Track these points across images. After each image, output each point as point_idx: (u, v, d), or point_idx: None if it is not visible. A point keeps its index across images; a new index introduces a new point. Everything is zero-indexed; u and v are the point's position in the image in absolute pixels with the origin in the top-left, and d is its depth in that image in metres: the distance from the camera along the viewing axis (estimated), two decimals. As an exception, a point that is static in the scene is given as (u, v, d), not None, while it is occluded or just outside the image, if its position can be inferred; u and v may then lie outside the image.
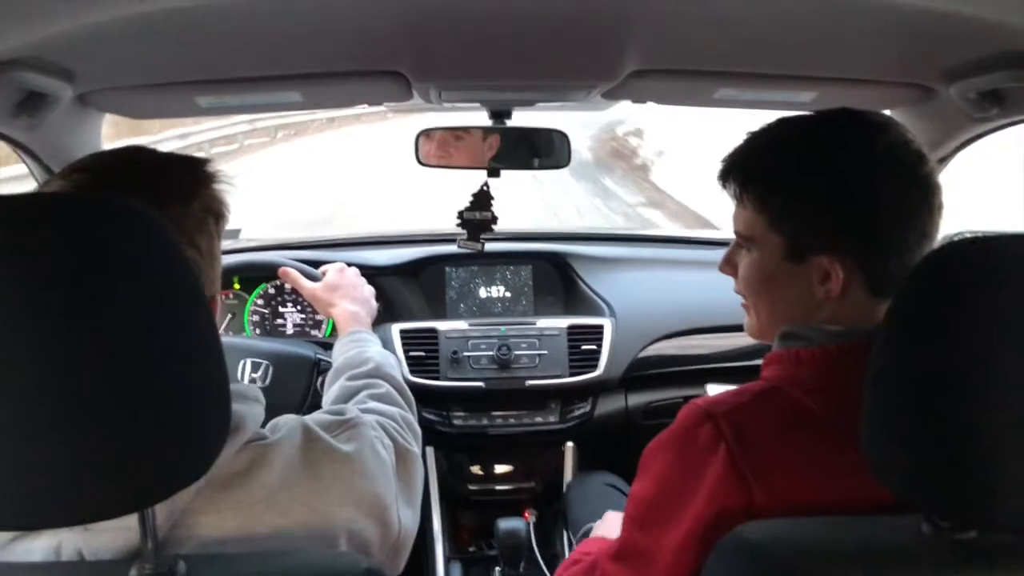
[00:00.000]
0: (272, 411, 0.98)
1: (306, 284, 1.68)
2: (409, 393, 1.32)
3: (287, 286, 2.24)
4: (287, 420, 0.95)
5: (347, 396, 1.26)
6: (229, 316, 2.19)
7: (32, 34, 0.99)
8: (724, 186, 1.05)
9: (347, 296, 1.61)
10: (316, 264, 1.83)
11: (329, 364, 1.62)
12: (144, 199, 0.72)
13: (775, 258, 0.99)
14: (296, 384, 1.61)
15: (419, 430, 1.23)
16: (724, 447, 0.88)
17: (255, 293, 2.22)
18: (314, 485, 0.88)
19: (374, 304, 1.67)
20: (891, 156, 0.93)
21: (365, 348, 1.41)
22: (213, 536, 0.81)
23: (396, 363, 1.39)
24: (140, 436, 0.67)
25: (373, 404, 1.20)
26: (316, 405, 1.35)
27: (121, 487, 0.68)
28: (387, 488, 0.98)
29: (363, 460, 0.95)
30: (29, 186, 1.47)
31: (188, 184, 0.90)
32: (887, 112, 1.57)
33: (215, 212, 0.93)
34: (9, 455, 0.64)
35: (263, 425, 0.92)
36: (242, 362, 1.65)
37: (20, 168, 1.54)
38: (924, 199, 0.93)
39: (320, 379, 1.63)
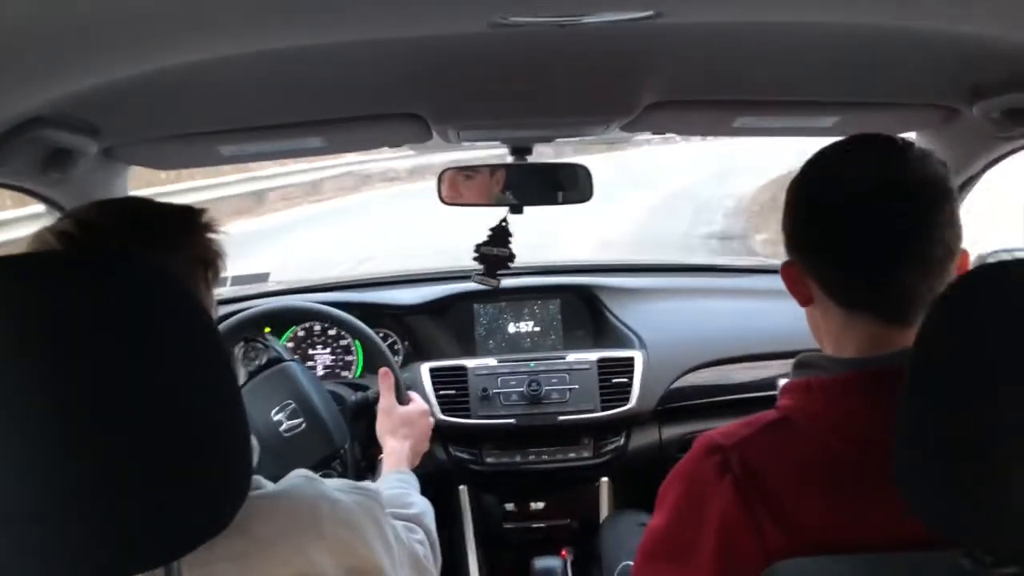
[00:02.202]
0: (273, 459, 0.93)
1: (392, 398, 1.64)
2: (439, 550, 1.30)
3: (316, 327, 2.25)
4: (297, 474, 0.93)
5: None
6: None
7: (55, 92, 1.01)
8: None
9: (412, 437, 1.58)
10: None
11: (341, 467, 1.64)
12: (126, 248, 0.71)
13: None
14: (302, 459, 1.56)
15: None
16: (731, 479, 0.86)
17: (285, 337, 2.23)
18: (314, 538, 0.85)
19: (418, 460, 1.62)
20: (860, 181, 0.91)
21: (411, 491, 1.40)
22: None
23: (433, 515, 1.37)
24: (167, 490, 0.67)
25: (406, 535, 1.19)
26: None
27: (149, 541, 0.68)
28: (390, 567, 0.94)
29: (362, 523, 0.92)
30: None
31: (177, 233, 0.89)
32: (912, 135, 1.56)
33: (205, 261, 0.91)
34: (39, 513, 0.65)
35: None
36: (287, 402, 1.65)
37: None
38: (887, 225, 0.89)
39: (321, 472, 1.62)
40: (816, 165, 0.96)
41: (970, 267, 0.93)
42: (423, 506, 1.35)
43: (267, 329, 2.21)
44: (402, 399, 1.67)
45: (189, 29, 0.87)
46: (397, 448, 1.55)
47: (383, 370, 1.68)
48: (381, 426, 1.61)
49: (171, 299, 0.70)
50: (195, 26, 0.87)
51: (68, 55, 0.90)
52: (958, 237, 0.91)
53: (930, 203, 0.89)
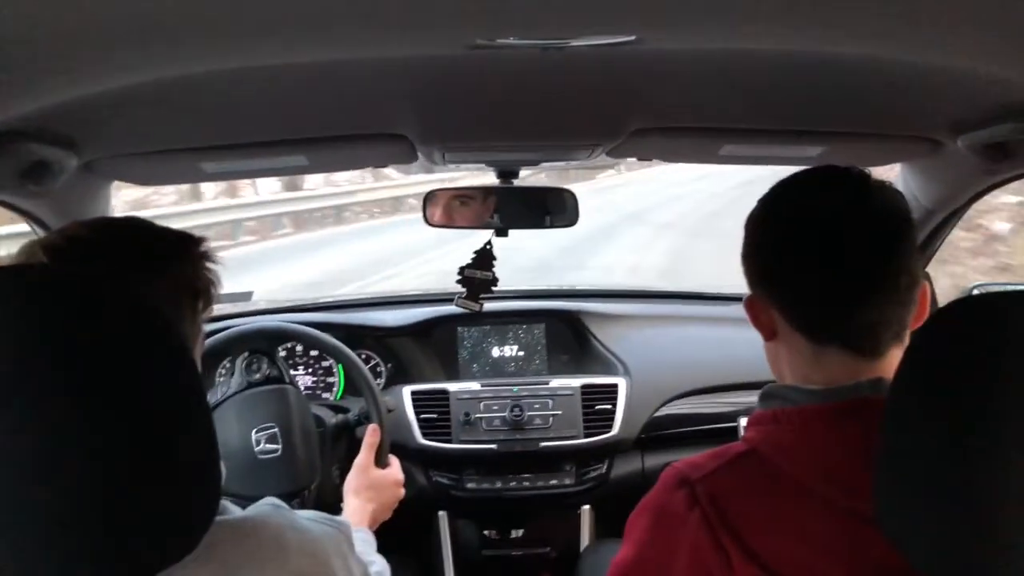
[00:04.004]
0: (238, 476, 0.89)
1: (369, 457, 1.61)
2: None
3: (298, 348, 2.23)
4: (266, 503, 0.92)
5: None
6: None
7: (32, 105, 0.99)
8: None
9: (376, 503, 1.55)
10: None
11: (299, 507, 1.56)
12: (111, 268, 0.70)
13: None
14: (264, 487, 1.49)
15: None
16: (699, 512, 0.86)
17: None
18: (278, 567, 0.83)
19: (378, 524, 1.59)
20: (825, 218, 0.90)
21: (371, 551, 1.39)
22: None
23: None
24: (130, 514, 0.66)
25: None
26: None
27: (112, 565, 0.67)
28: None
29: (329, 556, 0.90)
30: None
31: (168, 258, 0.89)
32: (897, 166, 1.56)
33: (195, 289, 0.91)
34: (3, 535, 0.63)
35: None
36: (272, 424, 1.62)
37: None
38: (855, 264, 0.89)
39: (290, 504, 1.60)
40: (775, 198, 0.96)
41: (933, 299, 0.94)
42: (381, 566, 1.32)
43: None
44: (381, 462, 1.65)
45: (167, 44, 0.86)
46: (359, 509, 1.52)
47: (372, 427, 1.66)
48: (349, 483, 1.58)
49: (139, 325, 0.69)
50: (173, 42, 0.85)
51: (43, 68, 0.89)
52: (920, 266, 0.93)
53: (894, 232, 0.90)
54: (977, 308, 0.75)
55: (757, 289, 0.96)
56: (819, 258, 0.89)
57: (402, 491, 1.65)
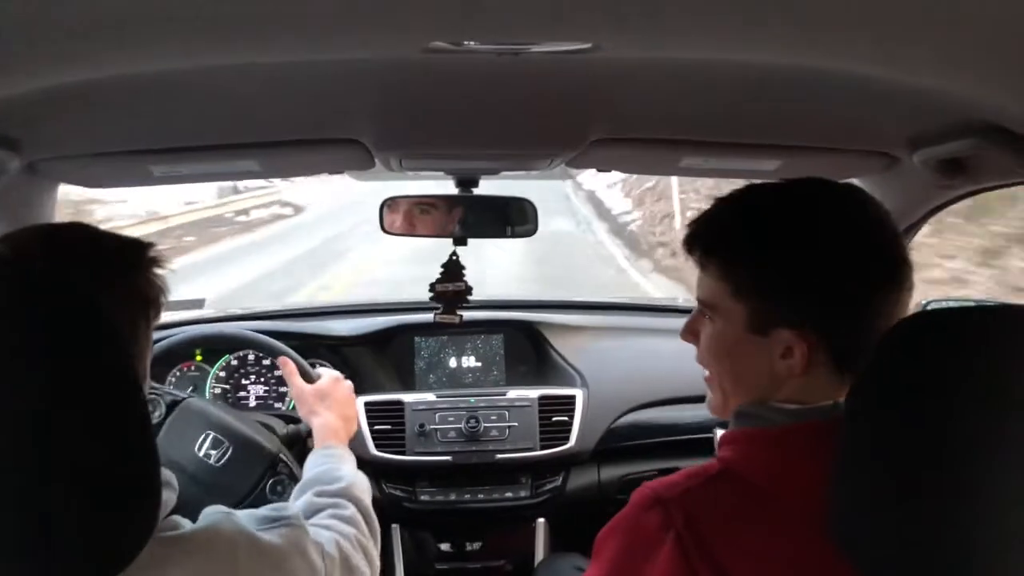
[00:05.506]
0: (211, 494, 0.90)
1: (298, 382, 1.61)
2: (375, 520, 1.26)
3: (251, 357, 2.18)
4: (214, 511, 0.89)
5: (311, 512, 1.20)
6: (191, 388, 2.12)
7: None
8: (689, 253, 0.99)
9: (333, 409, 1.54)
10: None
11: (287, 468, 1.57)
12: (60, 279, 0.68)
13: (736, 328, 0.92)
14: (246, 477, 1.53)
15: (376, 559, 1.19)
16: (673, 534, 0.83)
17: (217, 365, 2.16)
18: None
19: (355, 426, 1.59)
20: (864, 232, 0.89)
21: (339, 465, 1.35)
22: None
23: (368, 486, 1.33)
24: (62, 526, 0.64)
25: (333, 522, 1.14)
26: (258, 503, 1.27)
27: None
28: None
29: (286, 559, 0.89)
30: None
31: (117, 267, 0.87)
32: (854, 181, 1.57)
33: (147, 299, 0.89)
34: None
35: (180, 510, 0.87)
36: (205, 433, 1.58)
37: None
38: (894, 277, 0.88)
39: (271, 479, 1.56)
40: (785, 223, 0.91)
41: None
42: (351, 478, 1.30)
43: (198, 357, 2.15)
44: (310, 377, 1.64)
45: (113, 42, 0.83)
46: (323, 425, 1.50)
47: (281, 359, 1.66)
48: (301, 412, 1.58)
49: (78, 327, 0.67)
50: (119, 40, 0.83)
51: None
52: None
53: (902, 248, 0.91)
54: (928, 324, 0.76)
55: (781, 324, 0.88)
56: (862, 279, 0.87)
57: (348, 382, 1.64)
